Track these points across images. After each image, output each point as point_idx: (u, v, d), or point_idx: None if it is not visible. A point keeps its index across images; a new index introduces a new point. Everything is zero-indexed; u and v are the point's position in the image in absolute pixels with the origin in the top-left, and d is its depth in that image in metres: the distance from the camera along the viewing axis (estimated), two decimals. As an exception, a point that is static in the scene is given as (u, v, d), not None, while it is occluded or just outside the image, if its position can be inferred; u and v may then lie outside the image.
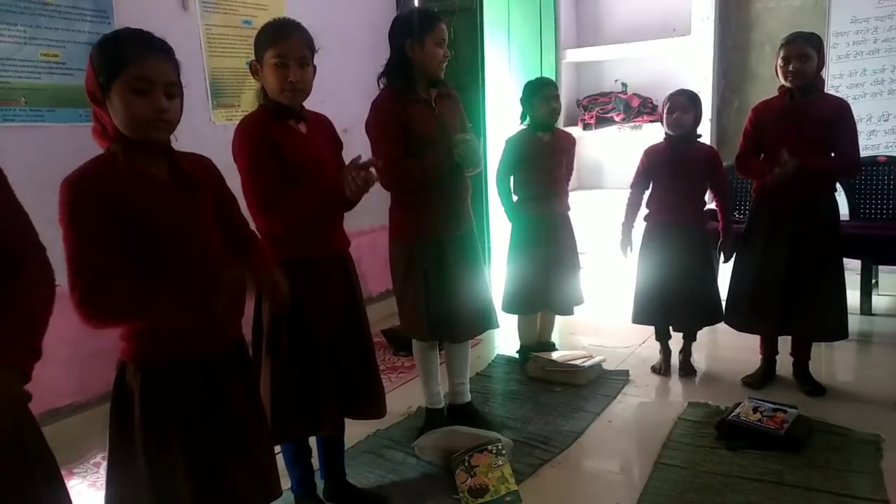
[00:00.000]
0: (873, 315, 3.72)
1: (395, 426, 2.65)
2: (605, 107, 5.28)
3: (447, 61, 2.32)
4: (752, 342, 2.97)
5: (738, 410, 2.47)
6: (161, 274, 1.34)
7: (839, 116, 2.59)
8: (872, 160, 3.93)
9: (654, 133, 4.21)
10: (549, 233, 3.06)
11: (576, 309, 3.18)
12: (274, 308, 1.72)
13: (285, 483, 1.94)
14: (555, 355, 3.12)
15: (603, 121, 5.25)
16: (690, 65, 4.84)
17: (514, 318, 3.25)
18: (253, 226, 1.74)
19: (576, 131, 5.06)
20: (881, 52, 4.25)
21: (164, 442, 1.35)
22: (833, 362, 3.20)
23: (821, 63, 2.59)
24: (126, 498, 1.38)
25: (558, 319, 3.34)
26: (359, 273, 2.07)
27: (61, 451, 1.33)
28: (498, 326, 2.56)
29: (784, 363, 2.91)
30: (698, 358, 3.17)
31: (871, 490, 2.05)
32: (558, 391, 2.94)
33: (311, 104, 1.93)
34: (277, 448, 1.75)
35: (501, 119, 4.35)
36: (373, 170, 1.83)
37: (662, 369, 3.08)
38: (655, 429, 2.54)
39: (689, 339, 3.06)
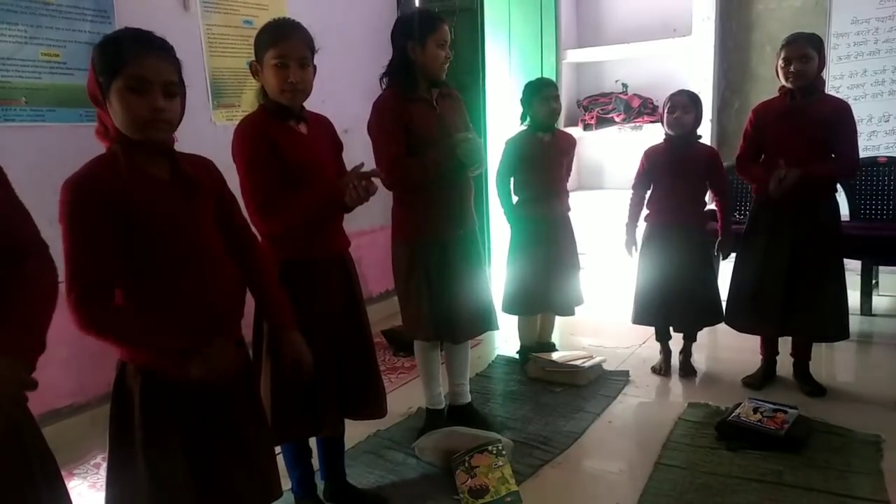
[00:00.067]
0: (874, 315, 3.73)
1: (395, 427, 2.64)
2: (605, 107, 5.27)
3: (449, 62, 2.32)
4: (753, 343, 2.97)
5: (738, 411, 2.47)
6: (160, 274, 1.34)
7: (839, 117, 2.59)
8: (873, 161, 3.93)
9: (654, 133, 4.20)
10: (550, 233, 3.06)
11: (576, 309, 3.19)
12: (295, 375, 1.67)
13: (286, 484, 1.94)
14: (555, 356, 3.12)
15: (603, 121, 5.24)
16: (691, 65, 4.84)
17: (514, 318, 3.25)
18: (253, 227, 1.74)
19: (576, 132, 5.06)
20: (882, 52, 4.24)
21: (164, 443, 1.35)
22: (833, 363, 3.20)
23: (821, 64, 2.59)
24: (126, 499, 1.38)
25: (558, 320, 3.33)
26: (359, 273, 2.07)
27: (61, 452, 1.33)
28: (498, 328, 2.56)
29: (784, 363, 2.91)
30: (698, 358, 3.17)
31: (871, 490, 2.05)
32: (558, 392, 2.94)
33: (311, 105, 1.92)
34: (278, 449, 1.75)
35: (502, 119, 4.34)
36: (375, 179, 1.83)
37: (663, 370, 3.08)
38: (655, 429, 2.54)
39: (690, 339, 3.06)
